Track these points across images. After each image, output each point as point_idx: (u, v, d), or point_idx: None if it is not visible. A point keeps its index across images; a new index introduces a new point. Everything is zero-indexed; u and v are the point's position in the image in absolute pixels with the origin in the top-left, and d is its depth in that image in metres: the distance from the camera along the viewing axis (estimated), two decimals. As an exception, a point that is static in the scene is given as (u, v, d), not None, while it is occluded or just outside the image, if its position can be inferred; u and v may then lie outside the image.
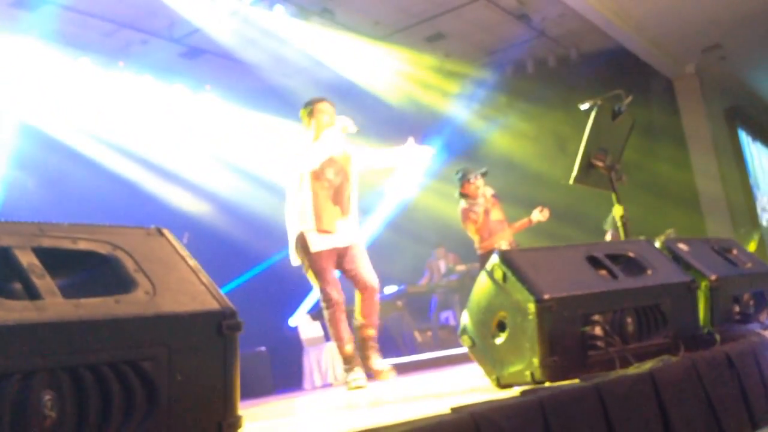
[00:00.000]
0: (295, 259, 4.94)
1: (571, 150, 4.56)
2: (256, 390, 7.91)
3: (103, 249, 1.70)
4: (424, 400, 2.84)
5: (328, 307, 4.81)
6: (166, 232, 1.88)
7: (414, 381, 4.91)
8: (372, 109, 10.46)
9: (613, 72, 11.19)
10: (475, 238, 6.63)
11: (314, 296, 10.45)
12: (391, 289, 9.11)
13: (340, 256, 4.91)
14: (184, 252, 1.87)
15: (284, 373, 8.83)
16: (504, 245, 6.48)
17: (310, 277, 4.88)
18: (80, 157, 9.47)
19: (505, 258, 2.61)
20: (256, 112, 10.81)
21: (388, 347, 8.62)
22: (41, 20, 8.56)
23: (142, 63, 9.87)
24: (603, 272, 2.72)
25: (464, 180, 6.70)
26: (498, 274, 2.60)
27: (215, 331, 1.75)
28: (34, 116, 9.14)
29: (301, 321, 8.77)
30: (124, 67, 9.69)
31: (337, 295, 4.81)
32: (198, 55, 10.21)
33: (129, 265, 1.71)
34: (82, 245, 1.68)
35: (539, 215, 6.59)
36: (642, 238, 3.19)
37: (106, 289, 1.61)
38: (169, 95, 10.22)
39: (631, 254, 2.87)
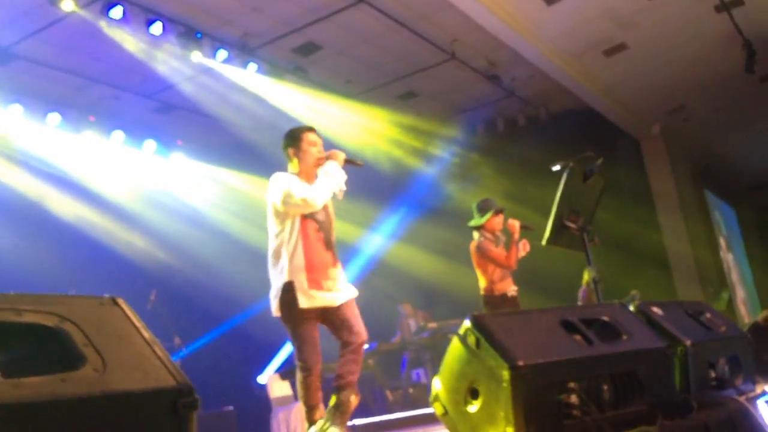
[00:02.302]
0: (277, 311, 4.47)
1: (542, 209, 4.55)
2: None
3: (50, 321, 1.58)
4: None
5: (303, 370, 4.38)
6: (120, 301, 1.76)
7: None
8: (345, 167, 10.47)
9: (581, 132, 11.38)
10: (484, 279, 6.16)
11: (283, 354, 10.30)
12: (361, 348, 8.96)
13: (329, 312, 4.47)
14: (140, 323, 1.74)
15: (253, 430, 8.60)
16: (513, 291, 6.15)
17: (291, 333, 4.45)
18: (48, 214, 9.31)
19: (479, 322, 2.56)
20: (228, 168, 10.77)
21: (358, 407, 8.46)
22: (12, 74, 8.51)
23: (114, 118, 9.82)
24: (578, 337, 2.68)
25: (488, 211, 6.19)
26: (471, 340, 2.54)
27: (170, 409, 1.62)
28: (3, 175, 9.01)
29: (270, 380, 8.58)
30: (95, 122, 9.62)
31: (316, 360, 4.40)
32: (170, 111, 10.19)
33: (78, 338, 1.59)
34: (28, 317, 1.56)
35: (522, 251, 6.10)
36: (615, 301, 3.16)
37: (53, 366, 1.49)
38: (141, 151, 10.15)
39: (605, 318, 2.83)
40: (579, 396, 2.53)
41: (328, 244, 4.57)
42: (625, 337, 2.76)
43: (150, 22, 7.98)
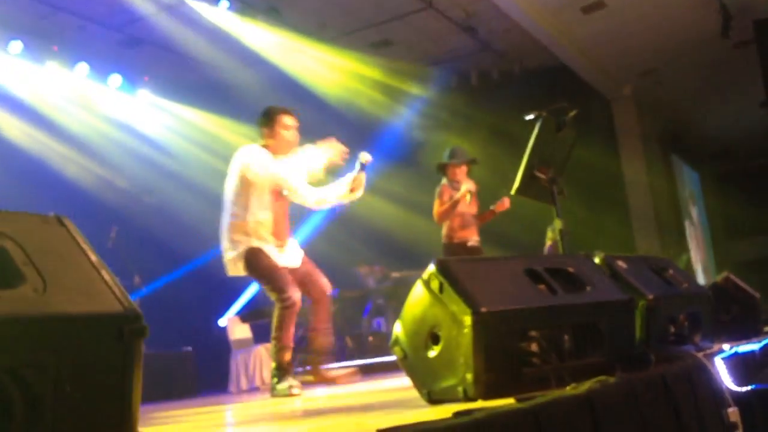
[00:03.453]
0: (237, 270, 4.74)
1: (512, 162, 4.52)
2: (180, 391, 7.68)
3: None
4: (352, 414, 2.73)
5: (286, 307, 4.54)
6: (66, 221, 1.65)
7: (344, 391, 4.77)
8: (315, 111, 10.31)
9: (554, 89, 11.32)
10: (444, 226, 6.31)
11: (245, 298, 10.25)
12: (323, 294, 8.95)
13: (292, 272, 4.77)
14: (86, 245, 1.64)
15: (210, 374, 8.60)
16: (476, 239, 6.32)
17: (262, 278, 4.68)
18: (7, 143, 9.06)
19: (443, 267, 2.52)
20: (194, 108, 10.54)
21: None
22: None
23: (79, 49, 9.50)
24: (542, 287, 2.66)
25: (452, 159, 6.37)
26: (434, 284, 2.51)
27: (115, 336, 1.52)
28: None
29: (230, 322, 8.55)
30: (59, 52, 9.31)
31: (297, 297, 4.58)
32: (137, 45, 9.89)
33: (17, 256, 1.48)
34: None
35: (502, 208, 6.32)
36: (581, 253, 3.15)
37: None
38: (105, 86, 9.86)
39: (570, 269, 2.81)
40: (540, 344, 2.52)
41: (286, 219, 4.88)
42: (588, 288, 2.75)
43: (118, -50, 7.69)
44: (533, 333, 2.54)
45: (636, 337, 2.89)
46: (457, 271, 2.51)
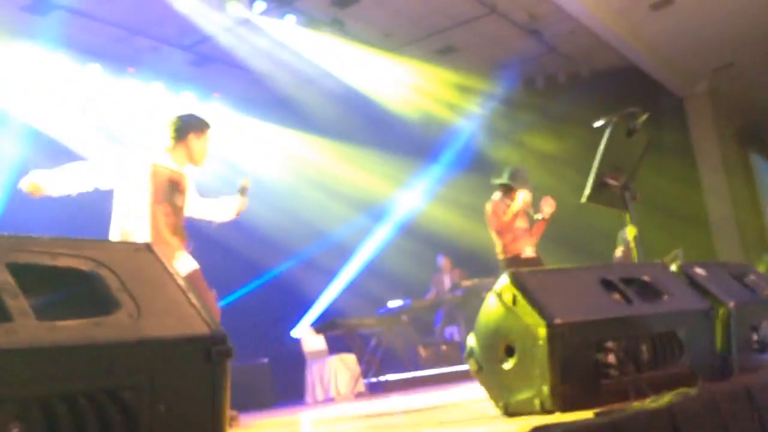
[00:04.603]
0: None
1: (581, 167, 4.45)
2: (257, 402, 7.80)
3: (85, 266, 1.57)
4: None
5: None
6: (155, 247, 1.75)
7: (416, 401, 4.74)
8: (381, 122, 10.40)
9: (623, 90, 11.09)
10: (498, 242, 6.34)
11: (318, 308, 10.38)
12: (395, 304, 9.00)
13: None
14: (174, 270, 1.73)
15: (286, 385, 8.71)
16: (530, 251, 6.29)
17: None
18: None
19: (516, 279, 2.51)
20: (263, 121, 10.75)
21: (391, 363, 8.53)
22: (52, 25, 8.54)
23: (152, 70, 9.83)
24: (617, 296, 2.62)
25: (514, 181, 6.35)
26: (507, 297, 2.50)
27: (203, 357, 1.60)
28: (41, 121, 9.09)
29: (304, 333, 8.66)
30: (135, 73, 9.65)
31: None
32: (207, 63, 10.16)
33: (113, 283, 1.58)
34: (63, 261, 1.55)
35: (548, 208, 6.28)
36: (657, 261, 3.08)
37: (87, 310, 1.48)
38: (178, 103, 10.15)
39: (646, 278, 2.76)
40: (617, 356, 2.48)
41: (178, 227, 4.71)
42: (666, 297, 2.70)
43: (187, -27, 7.92)
44: (610, 344, 2.51)
45: (717, 346, 2.81)
46: (531, 282, 2.51)
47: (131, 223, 4.41)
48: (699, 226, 11.30)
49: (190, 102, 10.21)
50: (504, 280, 2.55)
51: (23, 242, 1.51)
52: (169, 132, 4.67)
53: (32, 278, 1.48)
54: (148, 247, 1.73)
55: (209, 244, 9.34)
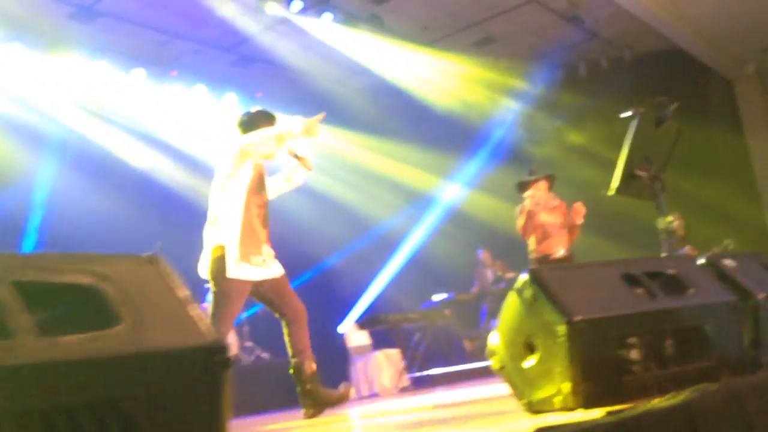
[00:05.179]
0: (205, 273, 4.52)
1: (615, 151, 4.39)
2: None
3: (88, 280, 1.63)
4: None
5: None
6: (159, 260, 1.81)
7: (459, 395, 4.72)
8: (421, 115, 10.39)
9: (669, 73, 10.87)
10: (530, 241, 6.38)
11: (363, 304, 10.45)
12: (439, 297, 9.02)
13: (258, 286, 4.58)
14: (176, 282, 1.79)
15: (331, 381, 8.79)
16: (561, 251, 6.26)
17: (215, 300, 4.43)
18: (131, 168, 9.65)
19: (536, 276, 2.52)
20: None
21: (435, 357, 8.54)
22: (97, 32, 8.77)
23: (195, 72, 10.02)
24: (640, 291, 2.60)
25: (527, 178, 6.56)
26: (527, 294, 2.51)
27: (202, 367, 1.64)
28: (88, 127, 9.36)
29: (349, 329, 8.74)
30: (177, 77, 9.85)
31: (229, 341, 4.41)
32: (249, 64, 10.31)
33: (114, 297, 1.63)
34: (67, 277, 1.61)
35: (579, 215, 6.27)
36: (695, 252, 3.04)
37: (90, 325, 1.54)
38: (222, 104, 10.34)
39: (671, 272, 2.73)
40: (640, 351, 2.47)
41: (266, 220, 4.73)
42: (691, 290, 2.67)
43: (225, -25, 8.04)
44: (632, 340, 2.49)
45: (746, 339, 2.76)
46: (550, 279, 2.51)
47: (224, 214, 4.53)
48: (752, 211, 11.00)
49: (233, 103, 10.38)
50: (524, 277, 2.56)
51: (29, 260, 1.59)
52: (242, 128, 4.79)
53: (38, 295, 1.54)
54: (150, 260, 1.79)
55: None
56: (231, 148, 4.65)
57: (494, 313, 9.53)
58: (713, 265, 2.94)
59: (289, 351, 4.71)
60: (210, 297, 4.52)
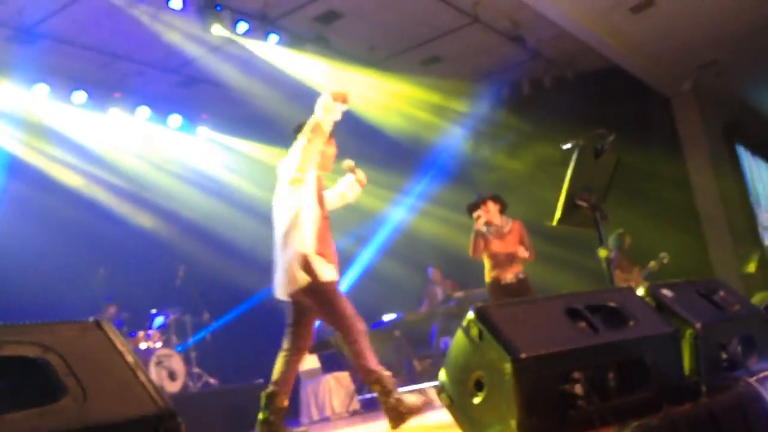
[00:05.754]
0: (294, 285, 4.52)
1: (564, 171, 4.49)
2: (254, 423, 7.83)
3: (32, 352, 1.59)
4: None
5: (360, 340, 4.40)
6: (104, 324, 1.78)
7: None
8: (369, 136, 10.44)
9: (609, 91, 11.17)
10: (485, 263, 6.55)
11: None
12: (389, 317, 9.04)
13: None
14: (124, 347, 1.77)
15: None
16: (512, 278, 6.42)
17: (326, 304, 4.48)
18: (74, 194, 9.48)
19: (481, 315, 2.56)
20: (254, 141, 10.82)
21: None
22: (37, 54, 8.61)
23: (139, 94, 9.90)
24: (583, 325, 2.67)
25: (474, 205, 6.63)
26: (474, 332, 2.56)
27: None
28: (28, 153, 9.17)
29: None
30: (121, 98, 9.71)
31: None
32: (194, 85, 10.23)
33: (60, 368, 1.60)
34: (9, 350, 1.56)
35: (522, 253, 6.46)
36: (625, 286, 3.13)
37: (35, 399, 1.50)
38: (166, 127, 10.23)
39: (612, 304, 2.81)
40: (583, 385, 2.53)
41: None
42: (631, 323, 2.75)
43: (169, -4, 7.98)
44: (576, 374, 2.56)
45: (686, 368, 2.86)
46: (496, 316, 2.56)
47: (297, 225, 4.57)
48: (690, 224, 11.34)
49: (178, 124, 10.27)
50: (470, 315, 2.60)
51: (-30, 335, 1.54)
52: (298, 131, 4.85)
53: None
54: (97, 324, 1.77)
55: (202, 269, 9.46)
56: (297, 145, 4.70)
57: (444, 332, 9.61)
58: (652, 295, 3.03)
59: (275, 376, 4.71)
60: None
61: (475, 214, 6.49)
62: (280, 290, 4.64)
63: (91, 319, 1.78)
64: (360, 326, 4.48)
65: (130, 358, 1.73)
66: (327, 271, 4.53)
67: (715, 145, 12.42)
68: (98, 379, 1.62)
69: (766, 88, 13.47)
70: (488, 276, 6.49)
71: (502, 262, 6.41)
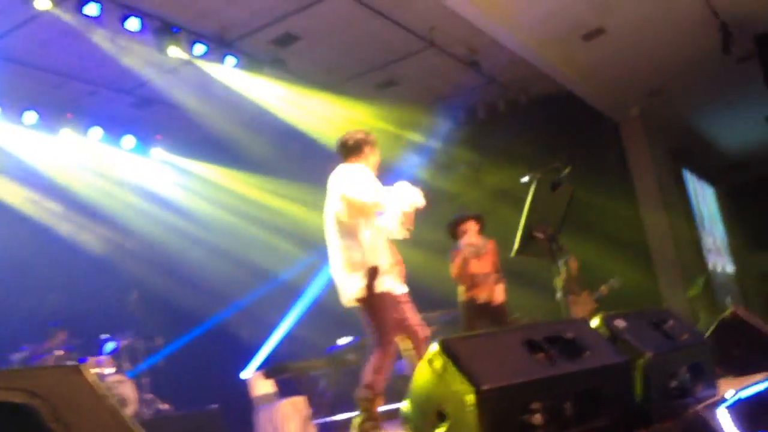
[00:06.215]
0: (359, 292, 4.62)
1: (524, 195, 4.60)
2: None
3: (19, 398, 1.59)
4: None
5: (390, 355, 4.52)
6: (83, 368, 1.80)
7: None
8: (327, 160, 10.47)
9: (561, 116, 11.45)
10: (460, 287, 6.68)
11: (265, 351, 10.35)
12: (344, 341, 9.05)
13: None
14: (103, 390, 1.79)
15: (236, 429, 8.66)
16: (483, 298, 6.52)
17: (369, 315, 4.58)
18: (23, 217, 9.31)
19: (445, 347, 2.63)
20: (209, 163, 10.77)
21: (342, 402, 8.54)
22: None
23: (91, 115, 9.79)
24: (541, 356, 2.76)
25: (451, 227, 6.77)
26: (437, 364, 2.62)
27: None
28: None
29: (253, 378, 8.63)
30: (73, 119, 9.58)
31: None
32: (148, 106, 10.16)
33: (46, 414, 1.60)
34: None
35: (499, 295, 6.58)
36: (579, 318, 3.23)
37: None
38: (119, 148, 10.13)
39: (569, 335, 2.91)
40: (542, 416, 2.61)
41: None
42: (587, 353, 2.85)
43: (125, 18, 7.93)
44: (535, 405, 2.64)
45: (638, 396, 2.96)
46: (459, 349, 2.62)
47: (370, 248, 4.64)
48: (639, 248, 11.62)
49: (130, 146, 10.18)
50: (434, 348, 2.67)
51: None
52: (348, 151, 4.97)
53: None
54: (77, 369, 1.78)
55: (156, 293, 9.35)
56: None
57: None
58: (606, 326, 3.14)
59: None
60: None
61: (463, 241, 6.60)
62: None
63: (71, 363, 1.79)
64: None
65: (110, 401, 1.75)
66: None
67: (662, 170, 12.80)
68: (83, 423, 1.63)
69: (711, 115, 13.96)
70: (464, 296, 6.59)
71: (479, 282, 6.51)
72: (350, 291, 4.63)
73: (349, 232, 4.69)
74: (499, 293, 6.53)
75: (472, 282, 6.53)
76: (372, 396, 4.52)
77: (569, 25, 9.81)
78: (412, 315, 4.73)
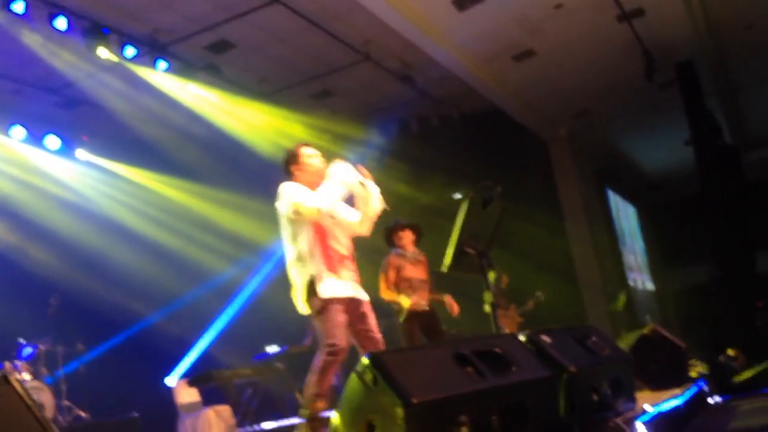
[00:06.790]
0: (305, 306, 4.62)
1: (454, 209, 4.68)
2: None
3: None
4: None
5: (330, 354, 4.41)
6: (12, 379, 1.75)
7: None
8: (259, 167, 10.42)
9: (492, 132, 11.68)
10: (398, 297, 6.62)
11: (190, 358, 10.18)
12: (272, 349, 8.98)
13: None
14: (31, 401, 1.74)
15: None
16: (421, 306, 6.52)
17: (319, 321, 4.52)
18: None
19: (376, 360, 2.65)
20: (136, 167, 10.54)
21: (268, 410, 8.48)
22: None
23: (14, 113, 9.46)
24: (470, 370, 2.81)
25: (392, 230, 6.78)
26: (368, 377, 2.64)
27: None
28: None
29: (177, 386, 8.48)
30: (-6, 116, 9.26)
31: (346, 344, 4.47)
32: (75, 106, 9.89)
33: None
34: None
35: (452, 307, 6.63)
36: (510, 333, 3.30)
37: None
38: (42, 148, 9.82)
39: (497, 350, 2.97)
40: (469, 429, 2.66)
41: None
42: (514, 368, 2.92)
43: (53, 16, 7.72)
44: (463, 418, 2.69)
45: (561, 410, 3.05)
46: (389, 362, 2.65)
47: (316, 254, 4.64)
48: (565, 265, 11.92)
49: (55, 146, 9.87)
50: (365, 361, 2.69)
51: None
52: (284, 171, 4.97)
53: None
54: (5, 379, 1.73)
55: (76, 298, 9.07)
56: None
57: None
58: (532, 341, 3.23)
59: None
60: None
61: (395, 252, 6.64)
62: None
63: (-3, 373, 1.74)
64: None
65: (38, 414, 1.71)
66: None
67: (587, 188, 13.20)
68: (8, 434, 1.58)
69: (634, 137, 14.50)
70: (401, 304, 6.57)
71: (416, 286, 6.54)
72: (299, 295, 4.65)
73: (295, 238, 4.71)
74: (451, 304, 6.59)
75: (410, 287, 6.53)
76: (313, 396, 4.49)
77: (501, 46, 10.07)
78: (372, 325, 4.61)
